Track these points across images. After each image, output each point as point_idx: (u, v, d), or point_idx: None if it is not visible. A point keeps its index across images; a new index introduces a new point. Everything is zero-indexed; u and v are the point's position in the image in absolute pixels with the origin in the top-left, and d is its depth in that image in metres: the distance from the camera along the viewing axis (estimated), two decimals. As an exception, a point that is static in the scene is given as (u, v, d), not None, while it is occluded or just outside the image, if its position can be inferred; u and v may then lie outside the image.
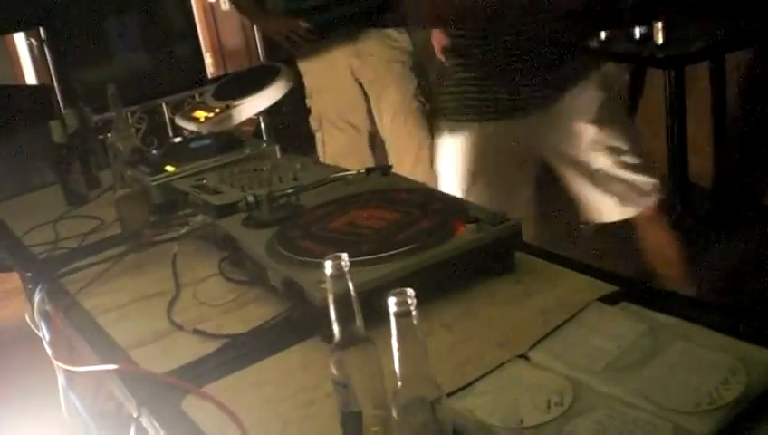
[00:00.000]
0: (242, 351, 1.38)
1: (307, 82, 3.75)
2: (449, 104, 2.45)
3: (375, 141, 3.85)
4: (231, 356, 1.38)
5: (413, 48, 3.69)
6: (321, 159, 3.75)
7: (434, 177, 3.60)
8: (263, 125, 2.87)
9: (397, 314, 0.90)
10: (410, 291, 0.90)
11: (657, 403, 1.05)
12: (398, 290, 0.90)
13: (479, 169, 2.41)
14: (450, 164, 2.48)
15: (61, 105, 2.75)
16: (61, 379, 1.85)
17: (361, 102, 3.72)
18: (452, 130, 2.44)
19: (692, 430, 0.99)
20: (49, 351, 1.71)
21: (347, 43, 3.60)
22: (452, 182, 2.46)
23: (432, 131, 3.51)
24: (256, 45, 5.41)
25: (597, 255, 3.14)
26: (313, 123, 3.78)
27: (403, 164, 3.65)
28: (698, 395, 1.04)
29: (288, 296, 1.43)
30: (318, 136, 3.78)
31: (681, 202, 3.61)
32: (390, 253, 1.40)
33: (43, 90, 4.07)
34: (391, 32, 3.63)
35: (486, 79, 2.33)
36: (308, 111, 3.74)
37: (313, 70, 3.70)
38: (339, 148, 3.72)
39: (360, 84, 3.70)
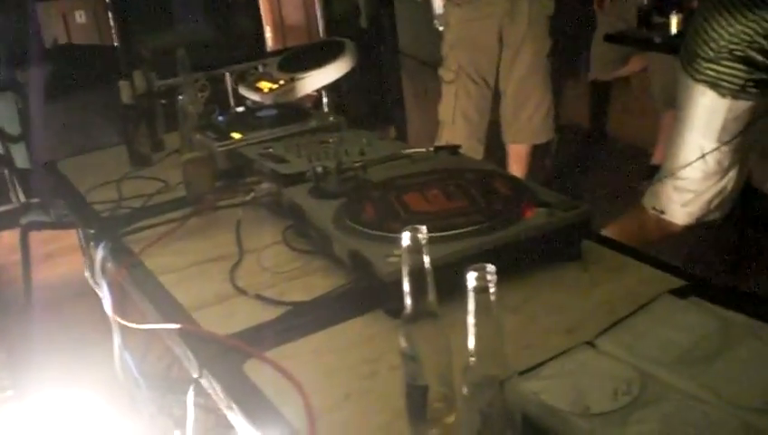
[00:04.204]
0: (304, 319, 1.39)
1: (451, 33, 3.83)
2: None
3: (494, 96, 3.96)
4: (293, 324, 1.38)
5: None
6: (446, 114, 3.89)
7: (548, 128, 3.77)
8: (324, 99, 2.85)
9: (475, 290, 0.89)
10: (491, 267, 0.89)
11: (726, 399, 1.03)
12: (478, 265, 0.89)
13: None
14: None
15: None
16: (116, 337, 1.86)
17: (497, 59, 3.83)
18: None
19: (762, 428, 0.98)
20: (108, 308, 1.73)
21: (505, 3, 3.71)
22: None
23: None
24: (317, 22, 5.41)
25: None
26: (448, 75, 3.86)
27: (520, 116, 3.85)
28: (769, 393, 1.03)
29: (353, 268, 1.43)
30: (450, 88, 3.86)
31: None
32: (461, 231, 1.39)
33: (108, 50, 4.11)
34: None
35: None
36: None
37: (463, 23, 3.78)
38: (471, 101, 3.83)
39: (501, 41, 3.80)
